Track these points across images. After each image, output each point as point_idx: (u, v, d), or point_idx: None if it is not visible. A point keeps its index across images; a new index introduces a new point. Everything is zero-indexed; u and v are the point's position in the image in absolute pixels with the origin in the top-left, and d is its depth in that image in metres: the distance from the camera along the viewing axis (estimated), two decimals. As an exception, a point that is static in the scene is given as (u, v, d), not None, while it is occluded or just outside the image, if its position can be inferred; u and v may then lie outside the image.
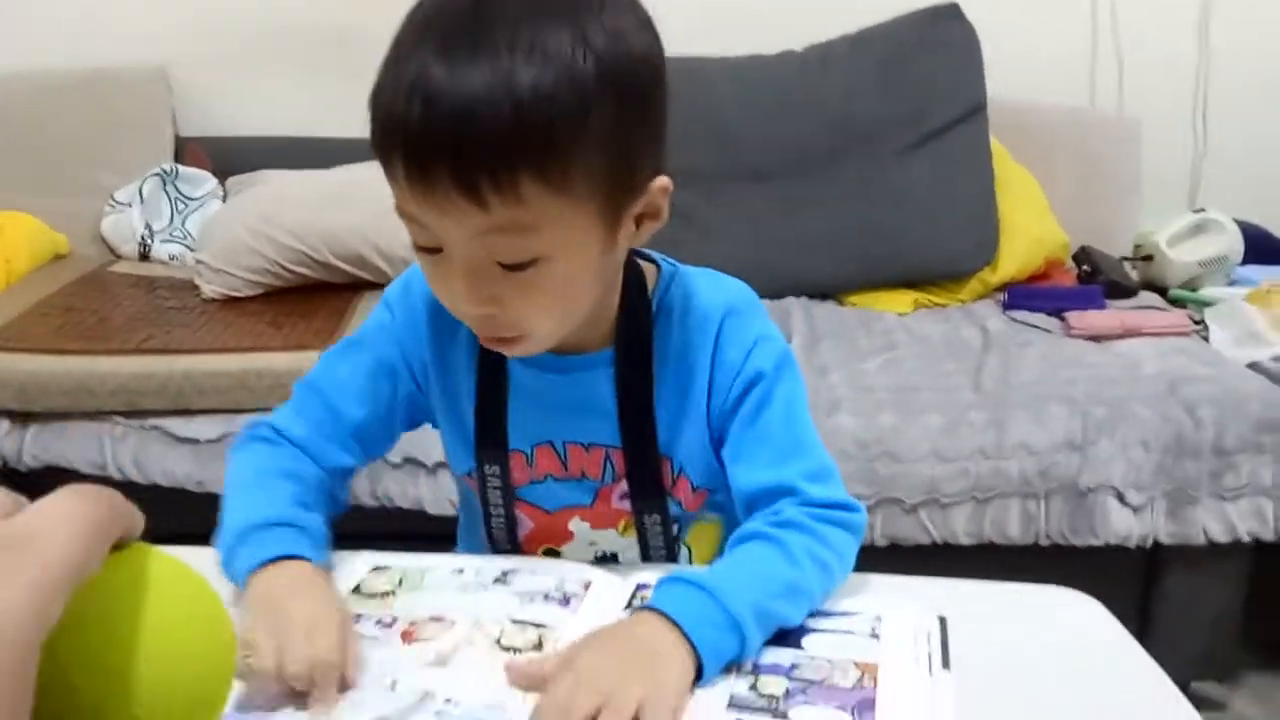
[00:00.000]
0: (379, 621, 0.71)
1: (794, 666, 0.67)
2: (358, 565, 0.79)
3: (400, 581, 0.76)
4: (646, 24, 0.67)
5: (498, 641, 0.68)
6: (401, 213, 0.66)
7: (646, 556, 0.84)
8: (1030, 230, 2.09)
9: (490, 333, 0.70)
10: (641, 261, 0.79)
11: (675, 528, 0.84)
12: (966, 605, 0.74)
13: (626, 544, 0.83)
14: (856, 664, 0.67)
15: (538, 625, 0.70)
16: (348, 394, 0.81)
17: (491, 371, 0.79)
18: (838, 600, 0.74)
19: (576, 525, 0.83)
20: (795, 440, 0.77)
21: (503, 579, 0.76)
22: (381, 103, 0.63)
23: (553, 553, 0.85)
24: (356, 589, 0.76)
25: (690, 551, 0.86)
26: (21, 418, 1.63)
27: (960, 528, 1.53)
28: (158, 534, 0.79)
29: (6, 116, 2.19)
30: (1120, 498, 1.51)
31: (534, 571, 0.77)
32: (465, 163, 0.60)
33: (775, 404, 0.77)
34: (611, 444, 0.79)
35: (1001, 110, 2.12)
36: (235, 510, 0.75)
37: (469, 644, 0.68)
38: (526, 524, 0.84)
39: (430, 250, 0.67)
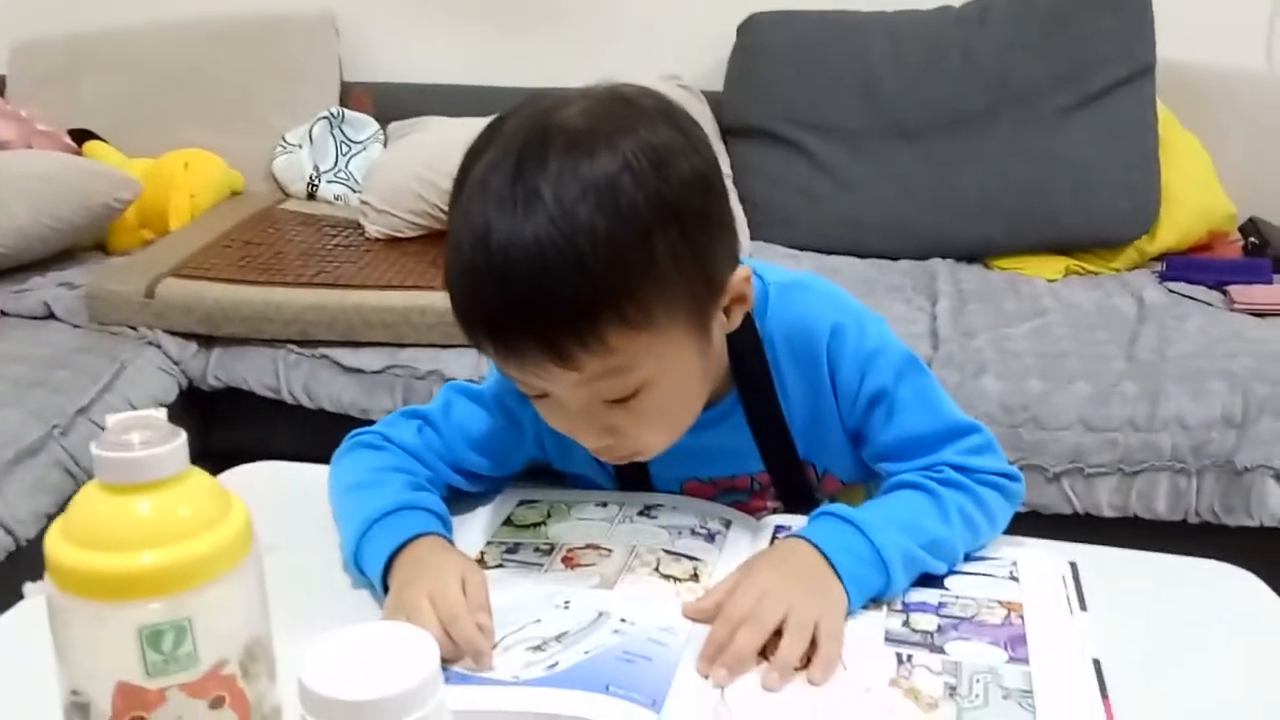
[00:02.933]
0: (537, 549, 0.75)
1: (941, 605, 0.69)
2: (505, 500, 0.84)
3: (549, 514, 0.80)
4: (689, 132, 0.67)
5: (656, 569, 0.72)
6: (503, 372, 0.69)
7: None
8: (1194, 199, 2.01)
9: (611, 456, 0.73)
10: None
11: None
12: (1112, 571, 0.74)
13: None
14: (1001, 603, 0.69)
15: (691, 558, 0.73)
16: (463, 439, 0.82)
17: None
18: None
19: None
20: (939, 433, 0.77)
21: (647, 513, 0.80)
22: (452, 283, 0.65)
23: None
24: (508, 521, 0.80)
25: None
26: (206, 341, 1.75)
27: (1104, 499, 1.51)
28: (320, 455, 0.87)
29: (186, 60, 2.32)
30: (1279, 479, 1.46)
31: (675, 507, 0.81)
32: (550, 334, 0.62)
33: (906, 409, 0.77)
34: (756, 471, 0.83)
35: (1170, 71, 2.03)
36: (353, 509, 0.75)
37: (630, 571, 0.71)
38: None
39: (537, 396, 0.70)
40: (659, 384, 0.67)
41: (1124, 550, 0.79)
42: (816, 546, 0.69)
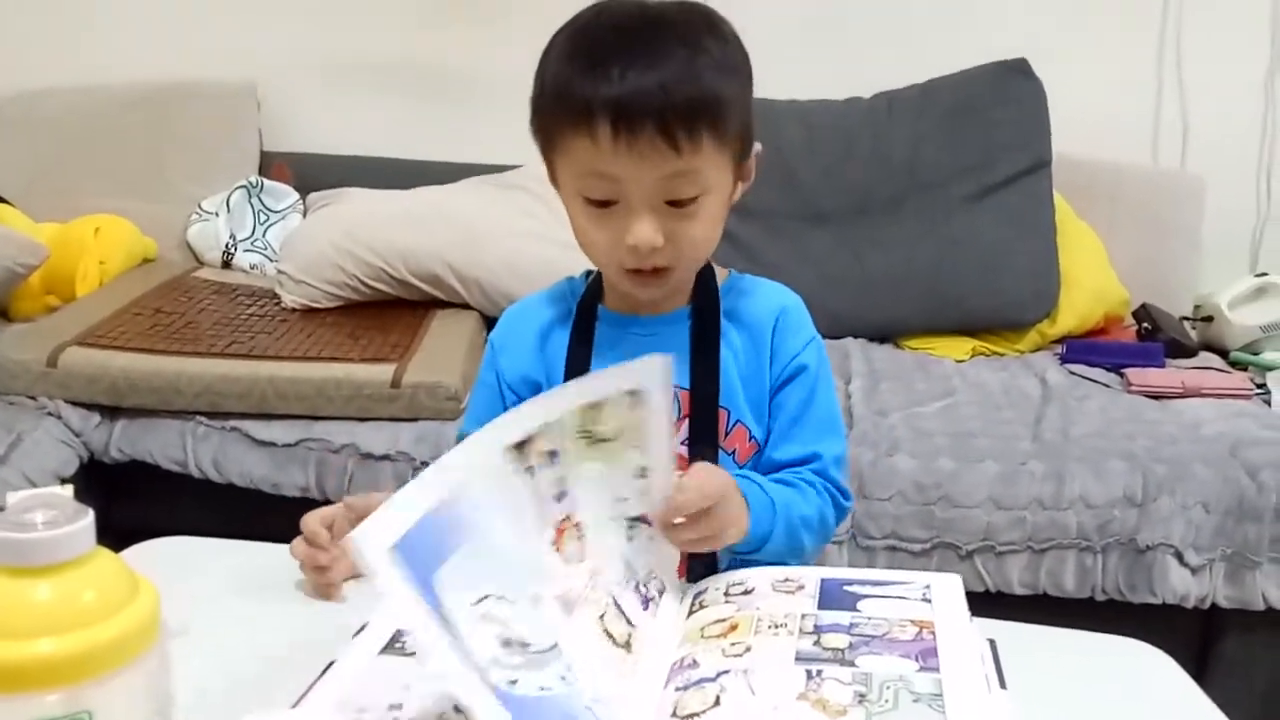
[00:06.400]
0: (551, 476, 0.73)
1: (853, 625, 0.70)
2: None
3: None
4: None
5: (602, 620, 0.71)
6: (591, 173, 0.82)
7: None
8: (1090, 285, 2.10)
9: (652, 262, 0.84)
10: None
11: None
12: (1027, 647, 0.76)
13: None
14: (913, 621, 0.70)
15: (629, 622, 0.73)
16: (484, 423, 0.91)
17: (581, 335, 0.92)
18: (890, 573, 0.79)
19: None
20: (830, 424, 0.92)
21: (632, 526, 0.79)
22: (573, 89, 0.80)
23: None
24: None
25: None
26: (111, 412, 1.68)
27: (1015, 577, 1.54)
28: (230, 531, 0.84)
29: (104, 123, 2.28)
30: (1179, 557, 1.51)
31: (651, 537, 0.80)
32: (667, 120, 0.78)
33: (818, 398, 0.92)
34: (682, 385, 0.90)
35: (1065, 165, 2.14)
36: None
37: (585, 602, 0.71)
38: None
39: (603, 204, 0.83)
40: (709, 200, 0.83)
41: (1038, 626, 0.80)
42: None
